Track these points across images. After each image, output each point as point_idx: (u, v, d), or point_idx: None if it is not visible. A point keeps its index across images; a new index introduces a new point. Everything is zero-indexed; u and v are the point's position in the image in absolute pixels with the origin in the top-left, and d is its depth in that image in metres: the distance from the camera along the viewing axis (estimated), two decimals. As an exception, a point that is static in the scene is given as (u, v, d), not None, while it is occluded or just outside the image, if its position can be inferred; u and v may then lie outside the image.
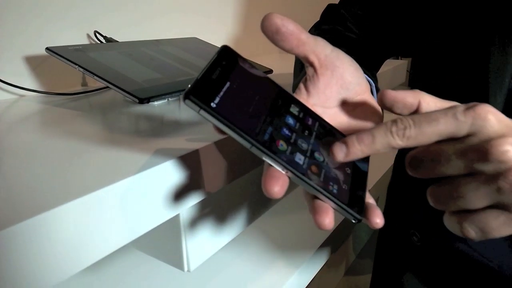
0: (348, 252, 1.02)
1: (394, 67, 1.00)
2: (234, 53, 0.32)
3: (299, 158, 0.29)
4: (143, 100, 0.47)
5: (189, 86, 0.27)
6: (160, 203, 0.34)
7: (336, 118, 0.36)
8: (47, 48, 0.53)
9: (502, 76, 0.42)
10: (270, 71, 0.73)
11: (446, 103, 0.31)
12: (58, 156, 0.36)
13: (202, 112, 0.27)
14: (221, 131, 0.29)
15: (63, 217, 0.27)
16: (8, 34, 0.60)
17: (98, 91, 0.64)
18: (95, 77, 0.50)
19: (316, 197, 0.30)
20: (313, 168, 0.30)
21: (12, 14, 0.59)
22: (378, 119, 0.37)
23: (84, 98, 0.60)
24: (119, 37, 0.71)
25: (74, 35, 0.67)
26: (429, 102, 0.31)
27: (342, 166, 0.32)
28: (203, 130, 0.42)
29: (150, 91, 0.50)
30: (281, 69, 0.79)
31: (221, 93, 0.28)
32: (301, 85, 0.36)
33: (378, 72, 0.60)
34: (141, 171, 0.32)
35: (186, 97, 0.27)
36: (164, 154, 0.35)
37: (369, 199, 0.32)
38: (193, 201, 0.38)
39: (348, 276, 1.03)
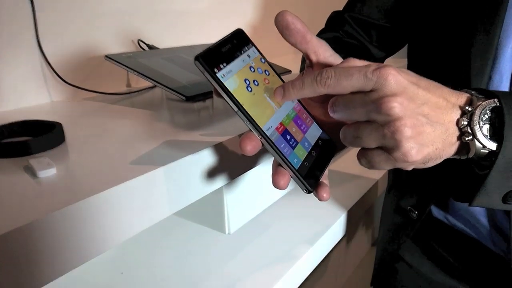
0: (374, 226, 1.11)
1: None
2: (246, 37, 0.38)
3: (273, 130, 0.36)
4: (189, 98, 0.58)
5: (202, 51, 0.33)
6: (209, 177, 0.45)
7: (318, 110, 0.43)
8: (106, 56, 0.64)
9: (483, 60, 0.48)
10: (289, 71, 0.83)
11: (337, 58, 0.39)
12: (128, 142, 0.47)
13: (206, 74, 0.33)
14: (219, 94, 0.35)
15: (134, 187, 0.37)
16: (71, 43, 0.71)
17: (142, 91, 0.75)
18: (149, 79, 0.61)
19: (280, 165, 0.37)
20: (283, 142, 0.37)
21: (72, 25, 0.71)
22: None
23: (129, 97, 0.71)
24: (159, 44, 0.82)
25: (121, 43, 0.79)
26: (323, 52, 0.40)
27: (309, 148, 0.39)
28: (236, 122, 0.52)
29: (194, 90, 0.60)
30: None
31: (225, 63, 0.34)
32: (299, 75, 0.44)
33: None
34: (193, 153, 0.42)
35: (196, 58, 0.33)
36: (205, 141, 0.46)
37: (324, 180, 0.40)
38: (227, 180, 0.47)
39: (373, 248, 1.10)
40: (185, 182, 0.42)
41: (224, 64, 0.35)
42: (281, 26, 0.39)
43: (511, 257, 0.53)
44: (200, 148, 0.43)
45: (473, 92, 0.37)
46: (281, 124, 0.38)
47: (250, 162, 0.50)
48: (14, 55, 0.64)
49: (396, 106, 0.32)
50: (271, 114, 0.37)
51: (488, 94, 0.36)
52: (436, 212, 0.65)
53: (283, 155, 0.36)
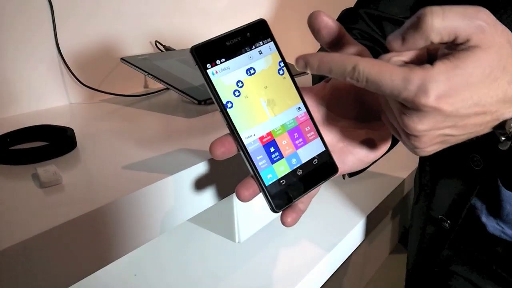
0: (394, 234, 1.08)
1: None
2: (266, 29, 0.33)
3: (254, 139, 0.33)
4: (201, 102, 0.57)
5: (202, 41, 0.31)
6: (219, 186, 0.44)
7: (335, 126, 0.38)
8: (121, 59, 0.65)
9: None
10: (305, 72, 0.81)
11: None
12: (140, 148, 0.46)
13: (197, 67, 0.31)
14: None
15: (142, 197, 0.37)
16: (90, 44, 0.72)
17: (159, 92, 0.75)
18: (162, 82, 0.61)
19: (252, 177, 0.34)
20: (262, 153, 0.33)
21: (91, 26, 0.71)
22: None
23: (146, 98, 0.71)
24: (176, 45, 0.82)
25: (140, 44, 0.79)
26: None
27: (297, 165, 0.35)
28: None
29: (207, 93, 0.60)
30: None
31: (224, 59, 0.31)
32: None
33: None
34: (203, 161, 0.41)
35: (191, 49, 0.31)
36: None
37: (300, 204, 0.36)
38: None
39: (393, 255, 1.08)
40: (194, 191, 0.42)
41: (222, 60, 0.32)
42: (316, 27, 0.33)
43: None
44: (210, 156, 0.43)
45: None
46: (269, 133, 0.34)
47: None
48: (33, 58, 0.65)
49: (421, 132, 0.29)
50: (260, 121, 0.34)
51: None
52: (491, 227, 0.57)
53: (255, 168, 0.33)
